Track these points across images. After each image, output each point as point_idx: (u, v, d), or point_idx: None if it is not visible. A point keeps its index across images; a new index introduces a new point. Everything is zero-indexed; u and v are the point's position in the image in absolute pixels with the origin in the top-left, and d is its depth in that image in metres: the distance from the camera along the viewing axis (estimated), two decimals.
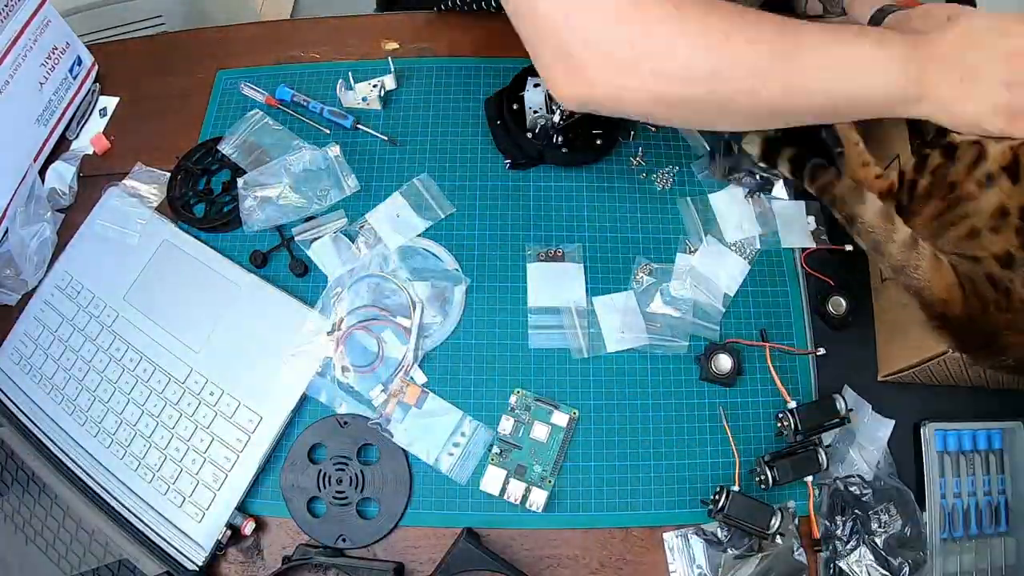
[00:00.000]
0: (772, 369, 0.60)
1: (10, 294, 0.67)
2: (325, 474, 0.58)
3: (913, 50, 0.46)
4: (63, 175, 0.71)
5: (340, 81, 0.71)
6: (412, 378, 0.61)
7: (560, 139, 0.67)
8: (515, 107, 0.67)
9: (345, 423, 0.59)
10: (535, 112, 0.66)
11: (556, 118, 0.67)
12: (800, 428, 0.55)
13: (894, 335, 0.60)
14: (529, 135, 0.67)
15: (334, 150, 0.68)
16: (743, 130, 0.59)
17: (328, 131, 0.71)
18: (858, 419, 0.59)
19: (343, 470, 0.58)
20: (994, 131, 0.46)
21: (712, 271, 0.64)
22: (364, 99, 0.71)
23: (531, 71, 0.68)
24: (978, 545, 0.57)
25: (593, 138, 0.67)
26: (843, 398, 0.56)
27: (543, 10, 0.46)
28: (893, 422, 0.58)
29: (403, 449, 0.59)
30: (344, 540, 0.56)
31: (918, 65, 0.46)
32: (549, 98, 0.67)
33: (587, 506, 0.58)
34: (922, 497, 0.56)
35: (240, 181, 0.66)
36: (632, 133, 0.70)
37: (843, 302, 0.62)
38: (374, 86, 0.71)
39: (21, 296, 0.67)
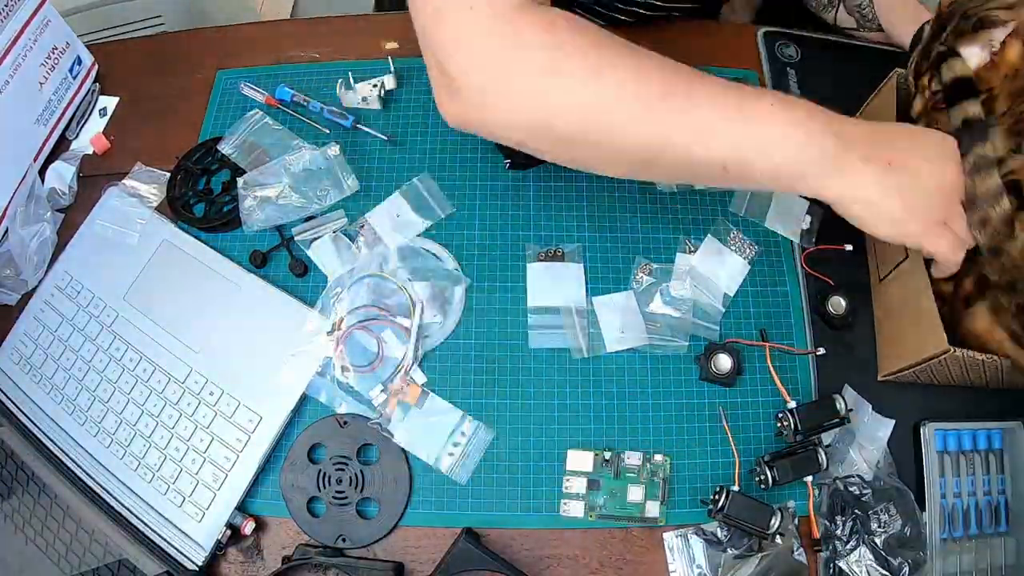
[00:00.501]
0: (772, 369, 0.60)
1: (10, 294, 0.67)
2: (325, 474, 0.58)
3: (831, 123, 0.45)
4: (63, 175, 0.71)
5: (340, 81, 0.71)
6: (412, 378, 0.61)
7: None
8: None
9: (345, 423, 0.59)
10: None
11: None
12: (800, 428, 0.55)
13: (894, 335, 0.60)
14: None
15: (334, 150, 0.68)
16: (624, 176, 0.52)
17: (328, 131, 0.71)
18: (858, 419, 0.59)
19: (343, 470, 0.58)
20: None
21: (712, 271, 0.64)
22: (364, 99, 0.71)
23: None
24: (978, 545, 0.57)
25: None
26: (843, 398, 0.56)
27: (422, 23, 0.45)
28: (893, 422, 0.58)
29: (403, 449, 0.59)
30: (344, 540, 0.56)
31: (837, 139, 0.44)
32: None
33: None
34: (922, 497, 0.56)
35: (240, 181, 0.66)
36: None
37: (843, 302, 0.62)
38: (374, 86, 0.71)
39: (21, 296, 0.67)
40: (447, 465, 0.58)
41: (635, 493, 0.57)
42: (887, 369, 0.60)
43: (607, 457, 0.58)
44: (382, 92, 0.71)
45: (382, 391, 0.60)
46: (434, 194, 0.68)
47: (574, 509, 0.57)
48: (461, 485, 0.58)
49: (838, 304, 0.62)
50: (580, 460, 0.58)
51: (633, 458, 0.58)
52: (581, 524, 0.57)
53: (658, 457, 0.58)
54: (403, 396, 0.60)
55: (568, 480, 0.58)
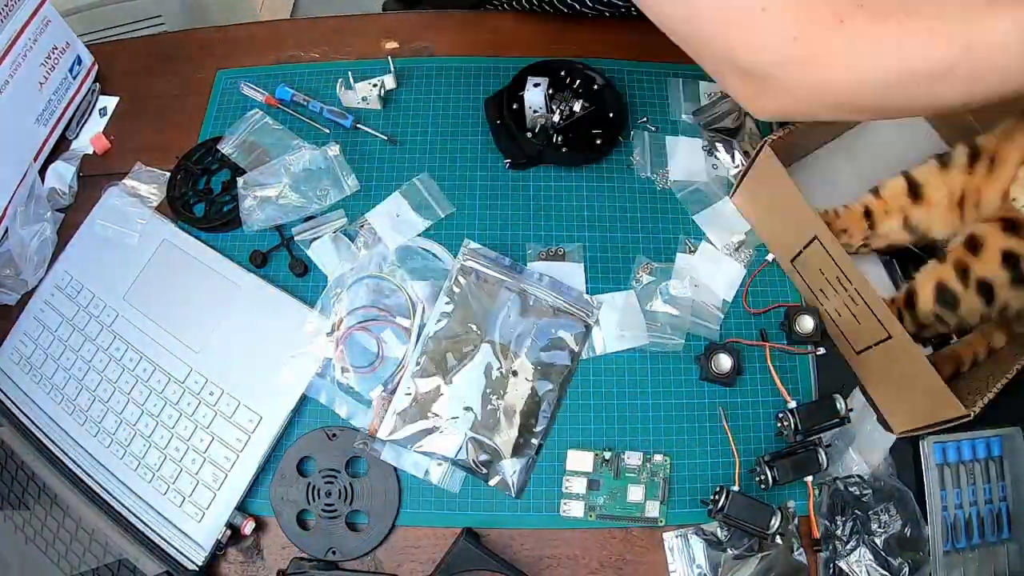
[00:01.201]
0: (772, 369, 0.60)
1: (10, 294, 0.67)
2: (314, 487, 0.58)
3: None
4: (63, 175, 0.71)
5: (340, 80, 0.71)
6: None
7: (560, 139, 0.67)
8: (515, 107, 0.67)
9: (334, 436, 0.59)
10: (535, 112, 0.66)
11: (556, 118, 0.67)
12: (800, 428, 0.55)
13: (899, 400, 0.57)
14: (529, 134, 0.67)
15: (333, 149, 0.68)
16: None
17: (328, 131, 0.71)
18: (860, 425, 0.58)
19: (332, 483, 0.58)
20: None
21: (710, 277, 0.64)
22: (364, 99, 0.71)
23: (531, 71, 0.68)
24: (981, 554, 0.56)
25: (593, 138, 0.67)
26: (843, 398, 0.56)
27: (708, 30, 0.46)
28: (894, 437, 0.58)
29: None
30: (334, 552, 0.56)
31: None
32: (549, 97, 0.67)
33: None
34: (923, 510, 0.56)
35: (240, 181, 0.66)
36: (632, 133, 0.70)
37: (811, 321, 0.59)
38: (374, 86, 0.71)
39: (21, 296, 0.67)
40: (437, 476, 0.58)
41: (635, 493, 0.57)
42: (903, 427, 0.58)
43: (607, 457, 0.58)
44: (382, 92, 0.71)
45: (382, 392, 0.60)
46: (434, 194, 0.68)
47: (574, 509, 0.57)
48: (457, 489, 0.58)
49: (805, 323, 0.60)
50: (580, 460, 0.58)
51: (633, 458, 0.58)
52: (581, 524, 0.57)
53: (658, 457, 0.58)
54: (385, 415, 0.59)
55: (568, 480, 0.58)
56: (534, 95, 0.66)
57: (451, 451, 0.57)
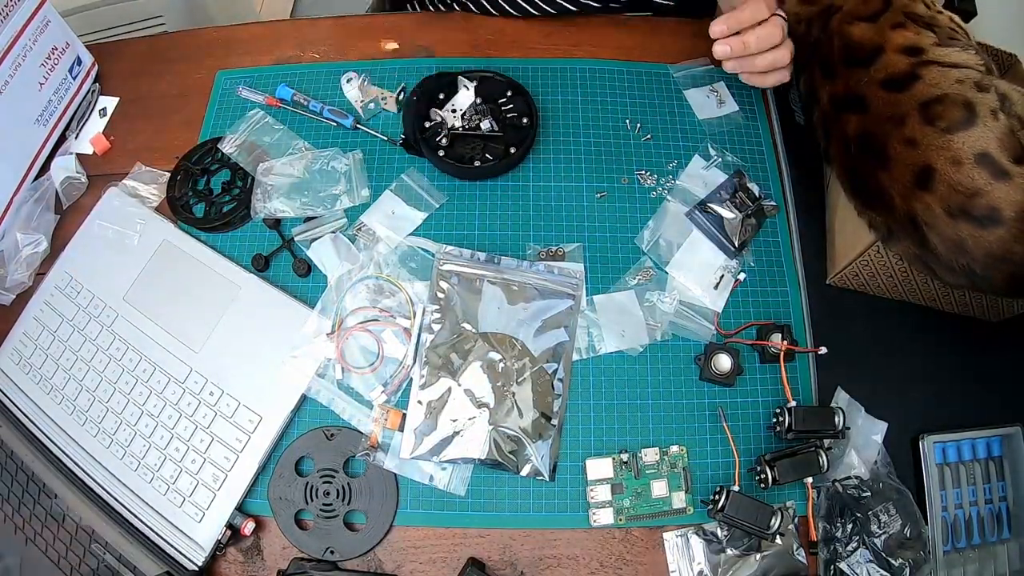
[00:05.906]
0: (783, 367, 0.59)
1: (6, 294, 0.67)
2: (312, 487, 0.58)
3: None
4: (67, 165, 0.70)
5: (346, 74, 0.70)
6: (391, 402, 0.60)
7: (444, 141, 0.66)
8: (442, 96, 0.67)
9: (332, 435, 0.59)
10: (453, 111, 0.65)
11: (456, 123, 0.66)
12: (792, 427, 0.55)
13: (835, 240, 0.65)
14: (427, 124, 0.67)
15: (357, 156, 0.68)
16: None
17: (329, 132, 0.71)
18: (851, 422, 0.58)
19: (330, 483, 0.58)
20: None
21: (701, 291, 0.64)
22: (373, 102, 0.71)
23: (465, 74, 0.67)
24: (981, 554, 0.57)
25: (475, 158, 0.65)
26: (843, 411, 0.56)
27: None
28: (886, 424, 0.58)
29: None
30: (332, 552, 0.56)
31: None
32: (475, 105, 0.66)
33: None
34: (923, 510, 0.56)
35: (260, 167, 0.67)
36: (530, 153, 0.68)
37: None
38: (383, 97, 0.71)
39: (17, 296, 0.67)
40: (443, 482, 0.58)
41: (659, 488, 0.57)
42: (833, 271, 0.65)
43: (624, 459, 0.58)
44: (401, 96, 0.71)
45: (382, 391, 0.60)
46: (424, 186, 0.68)
47: (603, 517, 0.57)
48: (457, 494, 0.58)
49: (777, 340, 0.61)
50: (600, 468, 0.58)
51: (650, 455, 0.58)
52: (582, 526, 0.57)
53: (674, 449, 0.59)
54: (385, 423, 0.59)
55: (592, 489, 0.58)
56: (462, 96, 0.65)
57: (476, 451, 0.57)
